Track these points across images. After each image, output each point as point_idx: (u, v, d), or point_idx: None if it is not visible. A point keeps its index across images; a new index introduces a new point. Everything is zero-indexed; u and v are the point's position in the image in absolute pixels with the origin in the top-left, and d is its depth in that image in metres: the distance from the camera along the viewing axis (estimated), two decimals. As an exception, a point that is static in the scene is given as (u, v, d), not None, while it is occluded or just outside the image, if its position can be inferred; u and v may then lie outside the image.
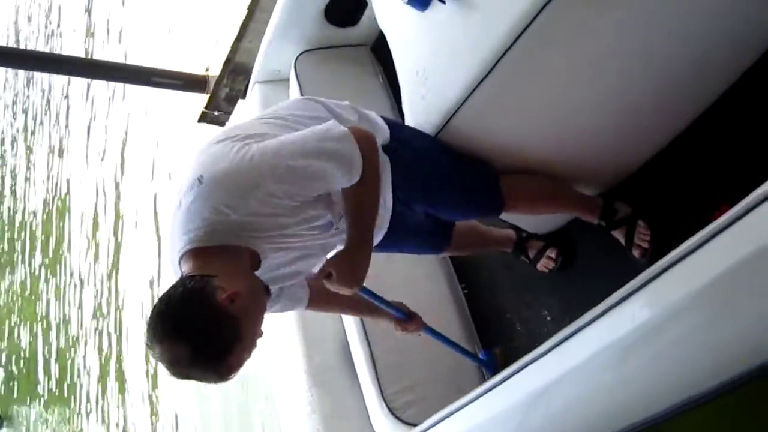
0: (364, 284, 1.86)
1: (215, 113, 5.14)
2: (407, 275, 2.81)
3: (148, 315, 1.55)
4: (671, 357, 1.40)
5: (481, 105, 1.96)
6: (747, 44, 1.94)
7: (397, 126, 2.12)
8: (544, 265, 2.60)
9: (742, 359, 1.27)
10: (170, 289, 1.55)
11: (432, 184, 2.10)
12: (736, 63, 1.97)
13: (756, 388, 1.29)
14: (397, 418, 2.56)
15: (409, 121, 2.19)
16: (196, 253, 1.60)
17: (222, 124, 5.24)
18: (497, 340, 2.82)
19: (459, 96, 1.96)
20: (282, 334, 2.91)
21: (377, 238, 2.03)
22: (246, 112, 3.94)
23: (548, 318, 2.62)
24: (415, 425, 2.52)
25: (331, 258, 1.80)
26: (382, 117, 2.10)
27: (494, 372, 2.60)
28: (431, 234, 2.34)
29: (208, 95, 4.87)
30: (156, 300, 1.57)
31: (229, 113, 5.09)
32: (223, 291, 1.51)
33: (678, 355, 1.36)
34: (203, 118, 5.16)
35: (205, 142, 1.78)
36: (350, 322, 2.80)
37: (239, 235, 1.60)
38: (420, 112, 2.13)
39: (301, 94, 3.28)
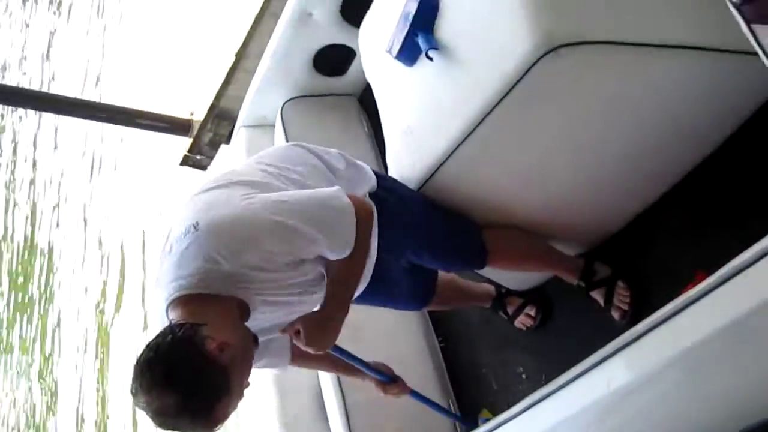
0: (346, 348, 1.91)
1: (198, 157, 5.12)
2: (384, 326, 2.79)
3: (134, 363, 1.51)
4: (647, 420, 1.39)
5: (464, 162, 1.98)
6: (730, 112, 1.97)
7: (383, 176, 2.13)
8: (521, 322, 2.59)
9: (721, 426, 1.27)
10: (158, 337, 1.52)
11: (417, 231, 2.10)
12: (718, 129, 2.00)
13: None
14: (369, 474, 2.53)
15: (393, 173, 2.20)
16: (186, 300, 1.58)
17: (204, 168, 5.22)
18: (472, 395, 2.81)
19: (443, 152, 1.98)
20: (256, 384, 2.86)
21: (359, 290, 2.03)
22: (229, 156, 3.95)
23: (524, 376, 2.60)
24: (386, 482, 2.49)
25: (305, 316, 1.77)
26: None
27: None
28: (414, 289, 2.34)
29: (192, 139, 4.87)
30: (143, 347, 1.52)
31: (212, 158, 5.07)
32: (212, 340, 1.49)
33: (654, 419, 1.36)
34: (185, 161, 5.13)
35: (198, 187, 1.77)
36: (325, 374, 2.77)
37: (231, 285, 1.58)
38: (404, 165, 2.15)
39: (287, 141, 3.29)
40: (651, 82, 1.80)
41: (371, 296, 2.11)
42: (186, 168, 5.20)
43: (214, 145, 4.84)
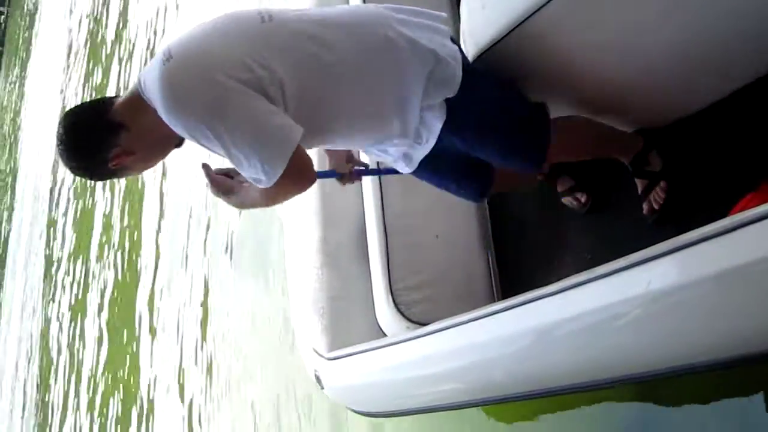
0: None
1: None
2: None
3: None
4: (681, 323, 1.40)
5: (547, 23, 1.82)
6: None
7: (472, 78, 1.99)
8: (569, 201, 2.57)
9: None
10: (85, 112, 1.79)
11: (497, 137, 2.05)
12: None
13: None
14: (401, 313, 2.60)
15: (464, 28, 2.08)
16: (138, 97, 1.73)
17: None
18: (512, 252, 2.83)
19: (522, 11, 1.83)
20: (301, 211, 2.90)
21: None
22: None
23: (566, 248, 2.62)
24: (417, 323, 2.57)
25: (230, 182, 1.93)
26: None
27: None
28: (469, 179, 2.31)
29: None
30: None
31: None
32: (119, 149, 1.73)
33: (687, 327, 1.37)
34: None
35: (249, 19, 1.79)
36: (371, 209, 2.78)
37: None
38: (477, 22, 2.01)
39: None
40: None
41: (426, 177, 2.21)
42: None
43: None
